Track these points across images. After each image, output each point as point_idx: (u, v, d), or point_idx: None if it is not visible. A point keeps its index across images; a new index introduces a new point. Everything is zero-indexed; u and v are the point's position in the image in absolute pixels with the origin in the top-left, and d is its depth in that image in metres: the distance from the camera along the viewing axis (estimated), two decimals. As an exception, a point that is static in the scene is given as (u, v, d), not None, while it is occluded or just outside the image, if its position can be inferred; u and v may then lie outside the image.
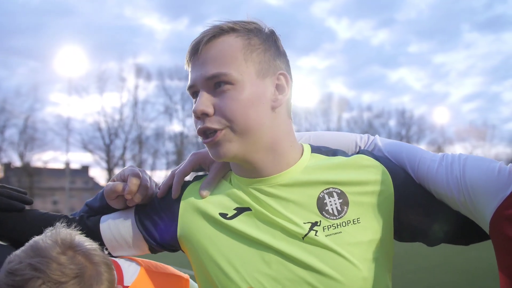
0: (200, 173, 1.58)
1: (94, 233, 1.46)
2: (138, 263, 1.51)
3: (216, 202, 1.42)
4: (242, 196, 1.39)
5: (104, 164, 46.54)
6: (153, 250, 1.52)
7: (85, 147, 45.70)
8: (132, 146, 45.92)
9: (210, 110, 1.31)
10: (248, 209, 1.38)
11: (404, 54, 71.95)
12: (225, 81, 1.30)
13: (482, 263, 10.23)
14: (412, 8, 72.03)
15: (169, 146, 49.01)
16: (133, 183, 1.44)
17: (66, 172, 41.62)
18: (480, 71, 72.35)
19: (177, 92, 47.89)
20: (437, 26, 72.28)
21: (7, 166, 48.47)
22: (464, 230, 1.44)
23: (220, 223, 1.38)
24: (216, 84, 1.31)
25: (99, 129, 44.80)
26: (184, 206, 1.45)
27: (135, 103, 45.37)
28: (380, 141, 1.58)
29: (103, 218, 1.52)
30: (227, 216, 1.38)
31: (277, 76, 1.38)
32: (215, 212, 1.40)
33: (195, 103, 1.36)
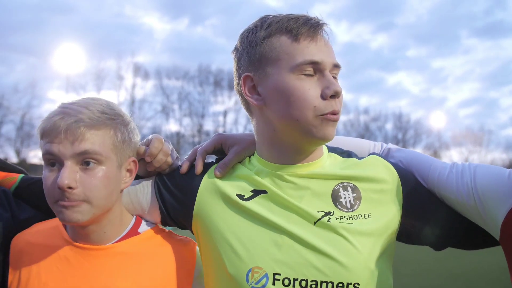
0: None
1: None
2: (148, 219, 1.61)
3: (235, 184, 1.49)
4: (260, 180, 1.45)
5: (100, 162, 46.28)
6: (164, 222, 1.58)
7: (82, 144, 45.51)
8: (129, 145, 45.81)
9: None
10: (264, 191, 1.44)
11: (402, 58, 72.05)
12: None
13: (476, 267, 10.26)
14: (412, 12, 72.27)
15: (166, 145, 48.60)
16: (155, 146, 1.51)
17: (62, 170, 41.40)
18: (478, 76, 72.58)
19: (175, 91, 47.75)
20: (436, 31, 72.47)
21: (3, 162, 48.16)
22: (471, 236, 1.48)
23: (236, 203, 1.44)
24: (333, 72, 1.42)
25: (96, 127, 44.65)
26: (204, 184, 1.51)
27: (132, 102, 45.26)
28: (393, 148, 1.65)
29: None
30: (244, 198, 1.44)
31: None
32: (232, 193, 1.46)
33: (307, 78, 1.36)
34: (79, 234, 1.47)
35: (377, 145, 1.68)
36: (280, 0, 69.52)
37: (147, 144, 1.53)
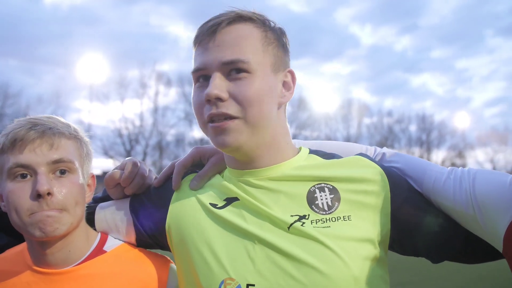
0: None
1: (90, 216, 1.52)
2: (123, 240, 1.55)
3: (208, 194, 1.43)
4: (231, 187, 1.38)
5: (125, 170, 46.63)
6: (139, 241, 1.53)
7: (106, 153, 46.12)
8: (153, 152, 45.92)
9: (225, 95, 1.27)
10: (236, 199, 1.37)
11: (426, 60, 70.79)
12: (243, 68, 1.28)
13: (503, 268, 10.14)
14: (435, 13, 71.07)
15: (190, 152, 48.68)
16: (130, 170, 1.47)
17: (89, 178, 41.90)
18: (503, 76, 70.80)
19: (198, 98, 47.99)
20: (460, 31, 71.11)
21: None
22: (471, 248, 1.39)
23: (209, 212, 1.38)
24: (232, 70, 1.28)
25: (120, 135, 45.19)
26: (177, 195, 1.46)
27: (156, 110, 45.73)
28: (388, 152, 1.54)
29: (101, 204, 1.58)
30: (217, 206, 1.38)
31: (285, 73, 1.38)
32: (206, 202, 1.40)
33: (199, 87, 1.33)
34: (43, 256, 1.39)
35: (370, 149, 1.56)
36: (304, 5, 69.57)
37: (122, 168, 1.49)
